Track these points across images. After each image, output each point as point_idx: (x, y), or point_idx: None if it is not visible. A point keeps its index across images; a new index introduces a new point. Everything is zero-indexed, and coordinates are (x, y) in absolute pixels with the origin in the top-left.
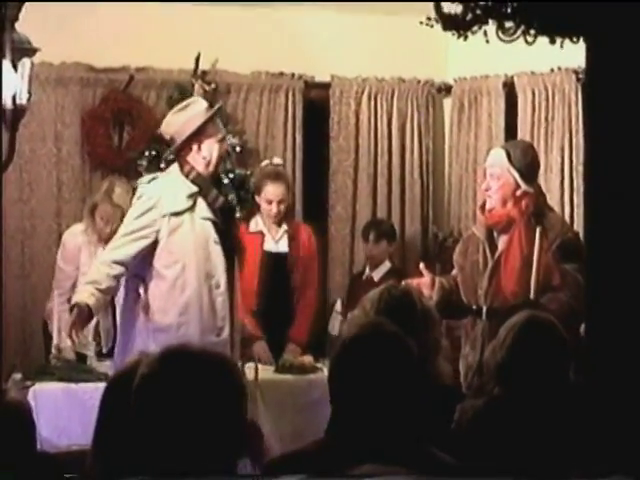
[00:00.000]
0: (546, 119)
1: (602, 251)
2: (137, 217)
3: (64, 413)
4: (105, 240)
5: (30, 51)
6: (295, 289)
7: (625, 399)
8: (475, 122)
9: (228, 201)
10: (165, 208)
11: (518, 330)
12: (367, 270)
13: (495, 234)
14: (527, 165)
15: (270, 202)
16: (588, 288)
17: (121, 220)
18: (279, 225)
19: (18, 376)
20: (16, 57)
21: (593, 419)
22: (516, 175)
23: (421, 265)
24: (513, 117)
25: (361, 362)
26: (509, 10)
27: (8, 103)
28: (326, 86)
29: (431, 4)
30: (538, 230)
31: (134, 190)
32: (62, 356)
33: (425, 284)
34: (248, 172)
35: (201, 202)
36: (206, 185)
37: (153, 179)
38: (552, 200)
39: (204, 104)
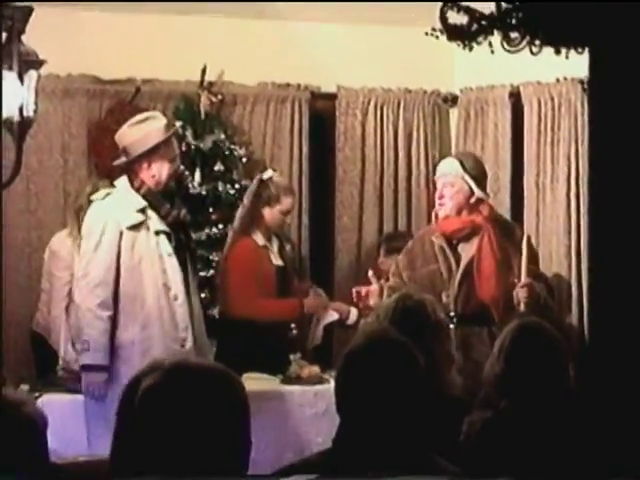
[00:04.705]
0: (552, 129)
1: (605, 260)
2: (96, 242)
3: (71, 424)
4: None
5: (37, 63)
6: None
7: (626, 402)
8: (481, 132)
9: (180, 215)
10: (120, 224)
11: (510, 340)
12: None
13: (454, 242)
14: (479, 172)
15: (286, 214)
16: (591, 296)
17: None
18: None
19: (25, 388)
20: (23, 69)
21: (596, 424)
22: (470, 182)
23: (369, 272)
24: (519, 127)
25: (367, 371)
26: (514, 21)
27: (15, 115)
28: (332, 97)
29: (437, 15)
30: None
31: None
32: (69, 367)
33: (373, 292)
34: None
35: (153, 215)
36: (157, 199)
37: (108, 195)
38: (559, 209)
39: (163, 121)
